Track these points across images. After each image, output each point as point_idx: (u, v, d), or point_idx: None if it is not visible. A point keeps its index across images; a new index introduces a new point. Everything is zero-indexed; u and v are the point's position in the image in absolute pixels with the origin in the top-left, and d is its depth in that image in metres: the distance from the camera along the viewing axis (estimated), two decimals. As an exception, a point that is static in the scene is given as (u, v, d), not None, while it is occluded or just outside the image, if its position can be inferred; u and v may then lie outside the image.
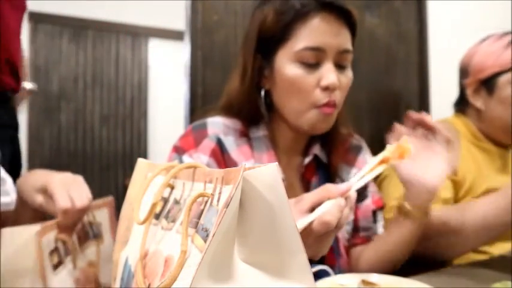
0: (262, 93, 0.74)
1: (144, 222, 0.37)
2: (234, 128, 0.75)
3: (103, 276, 0.61)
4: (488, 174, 0.96)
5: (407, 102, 1.46)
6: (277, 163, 0.31)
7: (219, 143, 0.73)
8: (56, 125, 3.04)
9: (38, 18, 2.96)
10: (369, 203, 0.81)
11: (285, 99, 0.71)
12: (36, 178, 0.59)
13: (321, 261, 0.70)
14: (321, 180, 0.77)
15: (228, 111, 0.76)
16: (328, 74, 0.67)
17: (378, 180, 0.98)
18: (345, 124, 0.81)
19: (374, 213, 0.81)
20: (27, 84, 1.45)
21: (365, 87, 1.37)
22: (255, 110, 0.74)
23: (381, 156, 0.61)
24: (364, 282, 0.61)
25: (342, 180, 0.78)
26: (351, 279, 0.62)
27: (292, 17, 0.67)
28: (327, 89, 0.67)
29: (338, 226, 0.53)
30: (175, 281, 0.30)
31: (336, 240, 0.76)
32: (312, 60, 0.67)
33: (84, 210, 0.56)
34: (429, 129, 0.69)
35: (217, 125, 0.74)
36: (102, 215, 0.63)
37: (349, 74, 0.71)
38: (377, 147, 0.70)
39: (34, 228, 0.51)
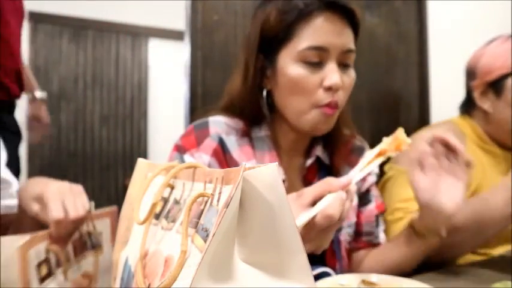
0: (264, 93, 0.73)
1: (144, 222, 0.37)
2: (236, 128, 0.74)
3: (101, 286, 0.60)
4: (493, 177, 0.96)
5: (407, 102, 1.46)
6: (277, 163, 0.31)
7: (221, 142, 0.72)
8: (56, 125, 3.04)
9: (38, 18, 2.96)
10: (372, 208, 0.81)
11: (286, 99, 0.70)
12: (33, 186, 0.58)
13: (323, 263, 0.70)
14: None
15: (230, 111, 0.75)
16: (331, 74, 0.66)
17: (382, 181, 0.97)
18: (348, 125, 0.80)
19: (376, 217, 0.81)
20: (38, 94, 1.46)
21: (365, 87, 1.37)
22: (257, 110, 0.73)
23: (378, 148, 0.61)
24: (364, 282, 0.61)
25: None
26: (351, 279, 0.62)
27: (295, 16, 0.66)
28: (329, 89, 0.66)
29: (340, 219, 0.53)
30: (175, 281, 0.30)
31: (338, 242, 0.75)
32: (315, 60, 0.66)
33: (79, 221, 0.55)
34: (451, 151, 0.67)
35: (219, 124, 0.73)
36: (103, 225, 0.62)
37: (352, 73, 0.70)
38: (377, 147, 0.69)
39: (27, 238, 0.50)
